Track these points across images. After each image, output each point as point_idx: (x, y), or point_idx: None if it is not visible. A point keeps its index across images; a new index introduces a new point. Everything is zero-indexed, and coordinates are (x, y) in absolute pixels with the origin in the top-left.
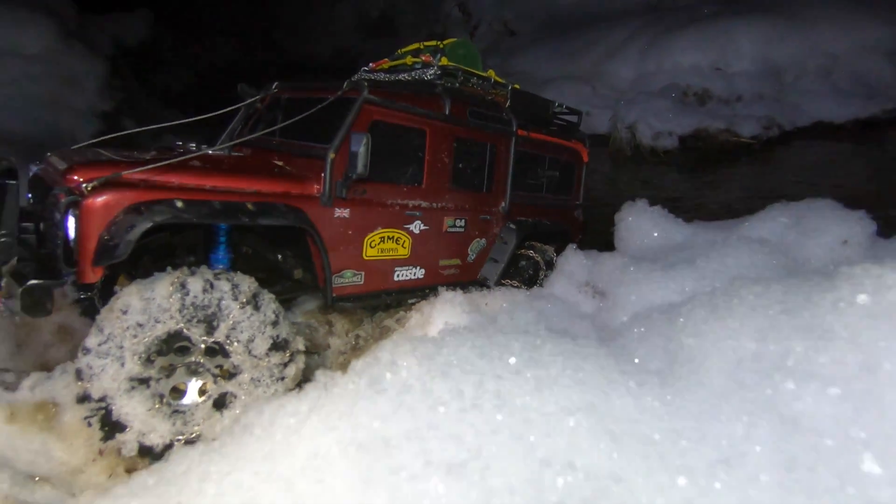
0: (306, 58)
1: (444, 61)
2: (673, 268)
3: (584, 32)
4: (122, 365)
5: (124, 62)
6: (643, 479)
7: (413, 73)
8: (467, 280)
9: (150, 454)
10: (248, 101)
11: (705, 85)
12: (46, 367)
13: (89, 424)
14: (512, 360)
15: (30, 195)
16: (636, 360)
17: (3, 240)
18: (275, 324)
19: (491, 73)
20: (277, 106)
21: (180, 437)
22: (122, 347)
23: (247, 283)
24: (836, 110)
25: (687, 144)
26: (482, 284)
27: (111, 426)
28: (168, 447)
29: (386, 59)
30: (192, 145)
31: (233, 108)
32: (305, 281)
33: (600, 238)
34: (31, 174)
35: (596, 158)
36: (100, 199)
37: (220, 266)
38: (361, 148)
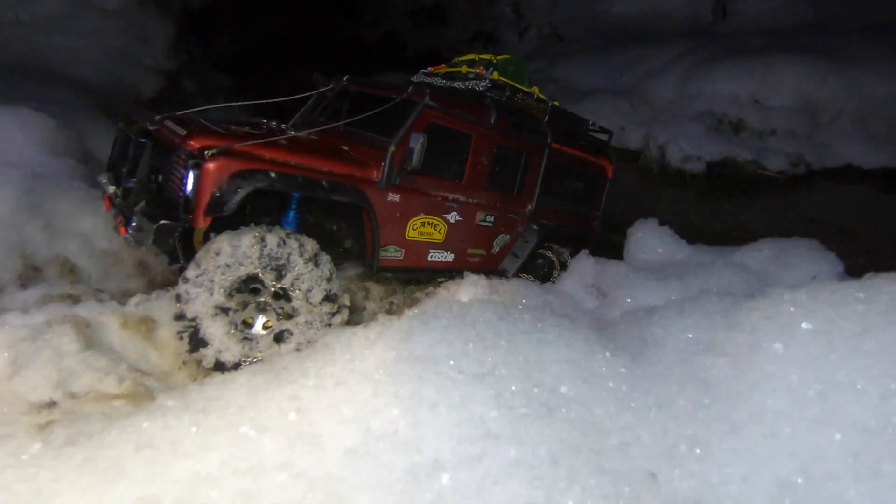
0: (356, 37)
1: (496, 76)
2: (665, 280)
3: (631, 48)
4: (211, 294)
5: (189, 25)
6: (600, 408)
7: (467, 83)
8: (489, 269)
9: (222, 368)
10: (321, 89)
11: (741, 115)
12: (128, 294)
13: (181, 338)
14: (522, 326)
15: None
16: (616, 341)
17: (137, 186)
18: (329, 280)
19: (535, 89)
20: (345, 96)
21: (246, 360)
22: (212, 281)
23: (311, 244)
24: (866, 156)
25: (713, 171)
26: (501, 274)
27: (197, 342)
28: (236, 365)
29: (443, 66)
30: (273, 123)
31: (307, 94)
32: (353, 250)
33: (613, 247)
34: (128, 139)
35: (624, 173)
36: (216, 164)
37: (289, 228)
38: (418, 146)
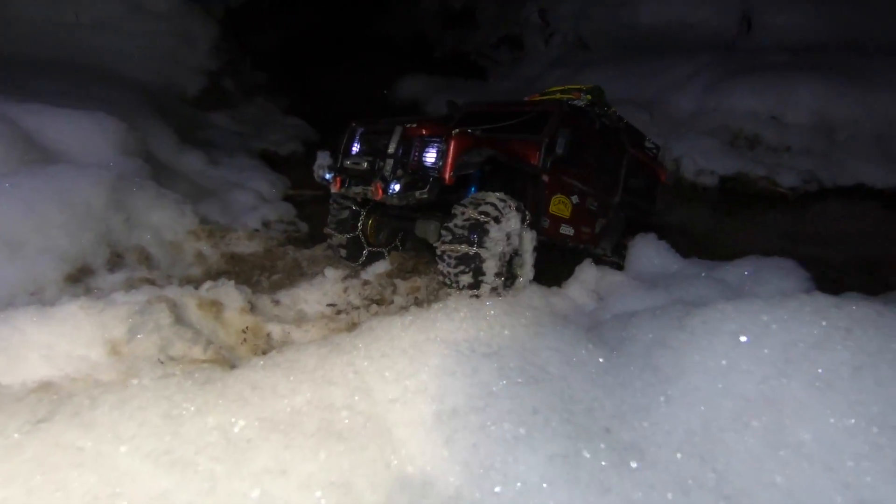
0: (385, 35)
1: (589, 98)
2: (653, 289)
3: (656, 59)
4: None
5: (230, 24)
6: (577, 385)
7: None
8: (593, 245)
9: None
10: (452, 112)
11: (758, 131)
12: (190, 279)
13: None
14: (523, 321)
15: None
16: (600, 337)
17: (394, 161)
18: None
19: (613, 110)
20: (472, 114)
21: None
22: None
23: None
24: (880, 175)
25: (726, 185)
26: (602, 251)
27: (478, 240)
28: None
29: (537, 95)
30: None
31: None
32: None
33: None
34: (359, 132)
35: None
36: (458, 138)
37: (474, 191)
38: (563, 138)
